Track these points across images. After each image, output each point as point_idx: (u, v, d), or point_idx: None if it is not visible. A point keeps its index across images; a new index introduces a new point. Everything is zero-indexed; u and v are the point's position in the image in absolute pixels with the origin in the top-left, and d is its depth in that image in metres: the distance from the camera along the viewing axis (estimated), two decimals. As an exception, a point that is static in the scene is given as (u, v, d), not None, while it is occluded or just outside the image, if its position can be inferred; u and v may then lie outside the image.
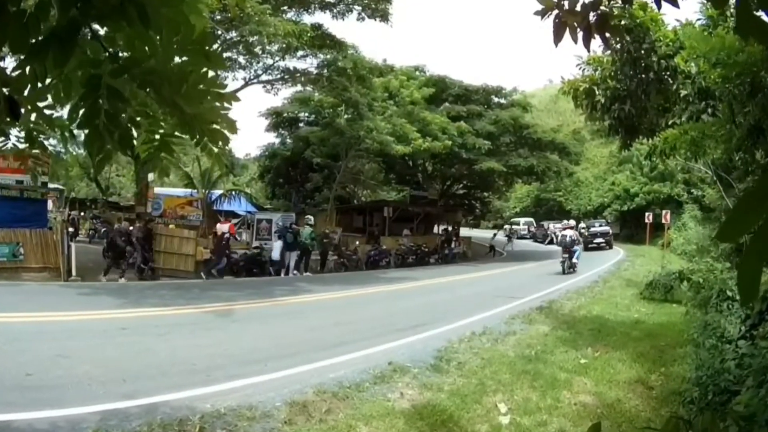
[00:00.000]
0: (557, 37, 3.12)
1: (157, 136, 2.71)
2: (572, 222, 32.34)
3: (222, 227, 21.49)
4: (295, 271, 22.89)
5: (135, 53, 2.25)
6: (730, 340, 7.06)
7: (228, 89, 2.59)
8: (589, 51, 3.70)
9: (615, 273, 25.18)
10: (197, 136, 2.50)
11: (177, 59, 2.33)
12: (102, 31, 2.33)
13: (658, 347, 10.13)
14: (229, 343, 9.74)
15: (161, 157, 2.77)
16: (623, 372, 8.53)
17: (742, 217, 1.11)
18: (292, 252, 22.99)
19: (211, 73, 2.46)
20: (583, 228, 44.32)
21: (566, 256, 24.60)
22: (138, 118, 2.51)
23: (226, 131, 2.58)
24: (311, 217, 25.02)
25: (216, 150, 2.66)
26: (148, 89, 2.32)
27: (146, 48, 2.23)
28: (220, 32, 20.74)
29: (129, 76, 2.24)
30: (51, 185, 23.92)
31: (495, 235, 46.37)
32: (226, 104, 2.51)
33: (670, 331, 11.61)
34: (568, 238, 25.01)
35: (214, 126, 2.53)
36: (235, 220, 29.75)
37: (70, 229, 19.06)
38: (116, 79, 2.23)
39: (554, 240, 37.07)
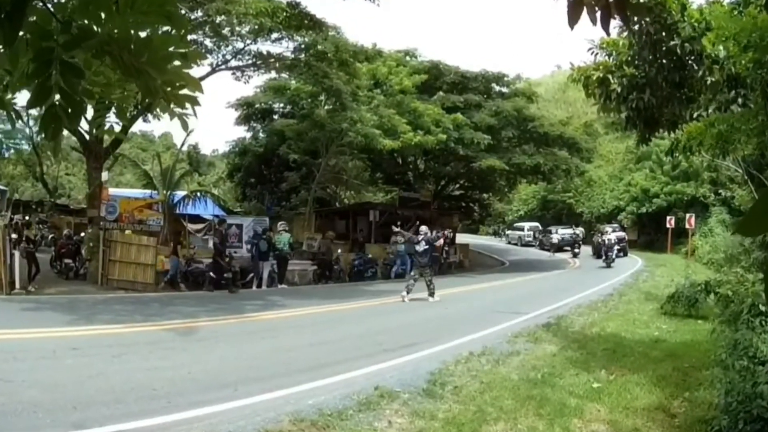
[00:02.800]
0: (573, 19, 2.96)
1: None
2: (608, 228, 39.99)
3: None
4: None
5: (89, 20, 2.22)
6: (763, 360, 7.07)
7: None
8: (608, 33, 3.56)
9: (632, 285, 25.24)
10: (163, 103, 2.50)
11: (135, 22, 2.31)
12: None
13: (682, 369, 10.15)
14: (194, 365, 9.69)
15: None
16: (641, 397, 8.54)
17: (766, 210, 1.09)
18: (266, 261, 22.95)
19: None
20: (573, 233, 46.55)
21: (610, 253, 34.81)
22: (91, 88, 2.48)
23: (191, 92, 2.57)
24: (285, 223, 24.93)
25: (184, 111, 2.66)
26: (105, 59, 2.30)
27: (101, 14, 2.20)
28: (183, 11, 20.65)
29: (84, 46, 2.22)
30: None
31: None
32: (191, 63, 2.50)
33: (694, 350, 11.64)
34: (613, 240, 35.96)
35: (181, 90, 2.52)
36: (200, 226, 29.61)
37: (13, 236, 18.88)
38: (71, 51, 2.20)
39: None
